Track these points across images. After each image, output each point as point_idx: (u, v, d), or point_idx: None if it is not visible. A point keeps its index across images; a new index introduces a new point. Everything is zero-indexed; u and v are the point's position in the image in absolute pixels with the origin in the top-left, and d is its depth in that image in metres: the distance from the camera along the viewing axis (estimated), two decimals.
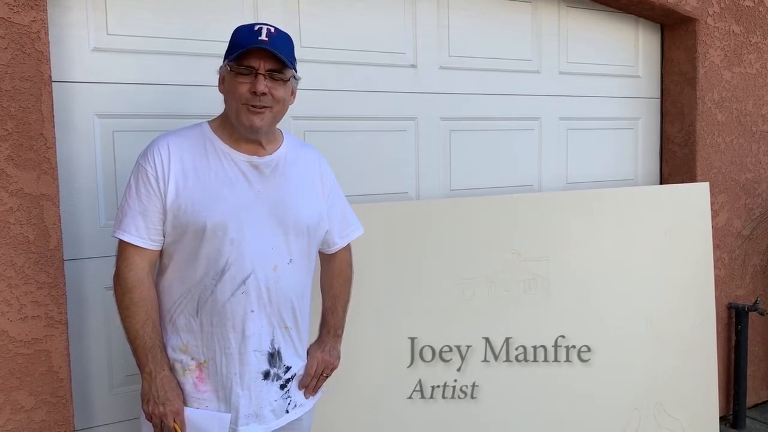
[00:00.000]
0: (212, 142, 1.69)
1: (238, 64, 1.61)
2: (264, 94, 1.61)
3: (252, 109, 1.62)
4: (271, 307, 1.70)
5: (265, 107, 1.63)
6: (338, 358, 1.94)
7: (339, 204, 1.92)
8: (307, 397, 1.84)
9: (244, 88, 1.61)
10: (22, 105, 1.94)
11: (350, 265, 1.99)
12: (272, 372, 1.73)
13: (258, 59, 1.61)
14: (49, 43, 1.99)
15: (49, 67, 1.98)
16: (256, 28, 1.63)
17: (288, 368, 1.77)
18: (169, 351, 1.69)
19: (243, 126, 1.64)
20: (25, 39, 1.93)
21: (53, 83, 2.05)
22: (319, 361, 1.87)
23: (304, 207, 1.75)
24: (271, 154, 1.73)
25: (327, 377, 1.90)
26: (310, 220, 1.76)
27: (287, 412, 1.78)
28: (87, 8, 2.16)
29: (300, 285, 1.77)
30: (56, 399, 2.03)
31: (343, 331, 1.97)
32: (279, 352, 1.74)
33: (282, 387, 1.76)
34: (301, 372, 1.83)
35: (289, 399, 1.78)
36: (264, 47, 1.59)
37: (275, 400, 1.75)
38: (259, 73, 1.61)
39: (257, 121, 1.63)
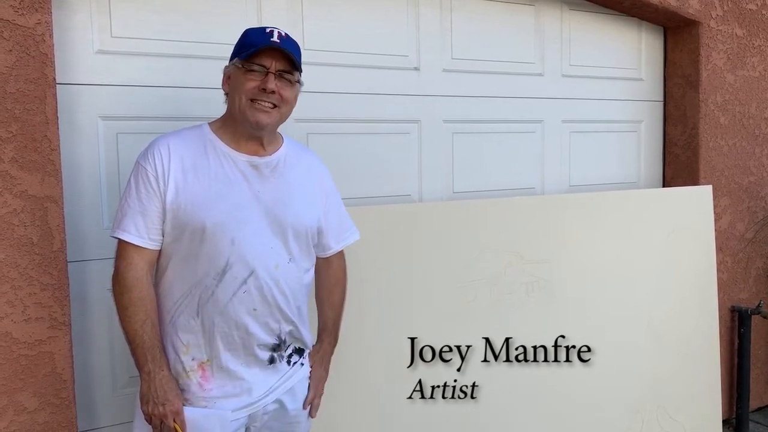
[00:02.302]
0: (212, 143, 1.70)
1: (249, 61, 1.63)
2: (273, 92, 1.63)
3: (259, 106, 1.64)
4: (275, 304, 1.71)
5: (272, 105, 1.65)
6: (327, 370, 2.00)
7: (336, 208, 1.93)
8: (312, 416, 1.90)
9: (252, 84, 1.63)
10: (27, 107, 1.95)
11: (345, 273, 2.01)
12: (276, 356, 1.77)
13: (270, 59, 1.64)
14: (53, 45, 1.99)
15: (54, 70, 1.99)
16: (268, 30, 1.66)
17: (296, 348, 1.82)
18: (171, 352, 1.69)
19: (248, 122, 1.65)
20: (29, 41, 1.94)
21: (57, 85, 2.06)
22: (322, 380, 1.93)
23: (302, 208, 1.77)
24: (270, 155, 1.74)
25: (323, 393, 1.96)
26: (309, 221, 1.78)
27: (291, 365, 1.83)
28: (91, 11, 2.17)
29: (301, 281, 1.79)
30: (59, 400, 2.03)
31: (337, 342, 2.01)
32: (284, 341, 1.78)
33: (288, 362, 1.81)
34: (307, 344, 1.87)
35: (296, 363, 1.84)
36: (277, 47, 1.62)
37: (285, 372, 1.79)
38: (270, 72, 1.63)
39: (264, 118, 1.65)
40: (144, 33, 2.25)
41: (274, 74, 1.64)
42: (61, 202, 2.02)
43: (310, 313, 1.89)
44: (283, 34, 1.67)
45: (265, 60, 1.64)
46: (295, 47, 1.69)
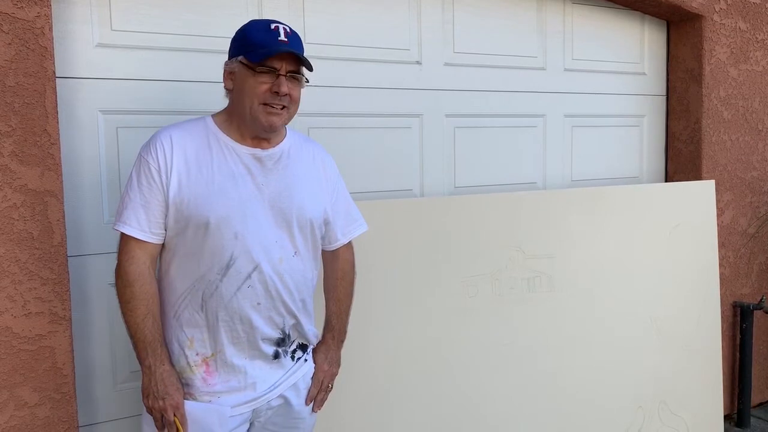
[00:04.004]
0: (216, 136, 1.69)
1: (260, 64, 1.61)
2: (286, 94, 1.62)
3: (271, 109, 1.62)
4: (279, 298, 1.70)
5: (283, 107, 1.64)
6: (339, 365, 1.95)
7: (343, 200, 1.91)
8: (315, 411, 1.88)
9: (264, 88, 1.62)
10: (26, 101, 1.94)
11: (353, 266, 1.98)
12: (281, 351, 1.76)
13: (280, 60, 1.62)
14: (53, 38, 1.98)
15: (53, 63, 1.98)
16: (273, 26, 1.64)
17: (300, 344, 1.81)
18: (176, 347, 1.69)
19: (260, 125, 1.64)
20: (29, 35, 1.93)
21: (57, 79, 2.05)
22: (325, 374, 1.88)
23: (307, 200, 1.75)
24: (274, 147, 1.73)
25: (331, 389, 1.92)
26: (314, 213, 1.76)
27: (295, 360, 1.81)
28: (91, 4, 2.15)
29: (306, 275, 1.78)
30: (60, 395, 2.03)
31: (345, 336, 1.97)
32: (289, 335, 1.77)
33: (292, 358, 1.79)
34: (310, 339, 1.85)
35: (300, 359, 1.83)
36: (288, 49, 1.61)
37: (290, 368, 1.78)
38: (281, 75, 1.62)
39: (276, 120, 1.64)
40: (144, 26, 2.24)
41: (285, 76, 1.63)
42: (61, 197, 2.01)
43: (316, 308, 1.88)
44: (289, 30, 1.65)
45: (275, 62, 1.62)
46: (300, 44, 1.68)
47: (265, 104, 1.62)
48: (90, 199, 2.18)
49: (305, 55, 1.70)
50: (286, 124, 1.71)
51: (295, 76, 1.65)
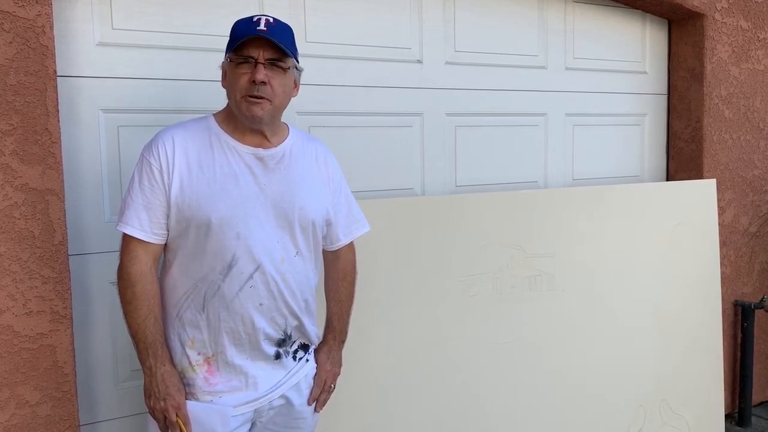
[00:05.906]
0: (217, 136, 1.68)
1: (237, 54, 1.60)
2: (263, 82, 1.60)
3: (251, 99, 1.60)
4: (282, 299, 1.70)
5: (264, 98, 1.61)
6: (341, 365, 1.94)
7: (345, 200, 1.90)
8: (317, 411, 1.88)
9: (244, 79, 1.60)
10: (27, 100, 1.94)
11: (354, 267, 1.97)
12: (282, 351, 1.75)
13: (257, 48, 1.60)
14: (54, 37, 1.98)
15: (54, 62, 1.98)
16: (255, 19, 1.63)
17: (301, 344, 1.81)
18: (178, 346, 1.68)
19: (244, 116, 1.63)
20: (29, 33, 1.93)
21: (58, 78, 2.05)
22: (328, 374, 1.88)
23: (309, 200, 1.74)
24: (276, 146, 1.72)
25: (333, 389, 1.92)
26: (315, 213, 1.75)
27: (297, 360, 1.81)
28: (92, 2, 2.15)
29: (308, 275, 1.78)
30: (61, 394, 2.03)
31: (347, 336, 1.96)
32: (290, 336, 1.76)
33: (294, 358, 1.79)
34: (312, 339, 1.85)
35: (302, 359, 1.82)
36: (262, 35, 1.58)
37: (292, 368, 1.78)
38: (258, 62, 1.60)
39: (257, 110, 1.61)
40: (145, 25, 2.24)
41: (263, 64, 1.60)
42: (62, 196, 2.01)
43: (317, 308, 1.88)
44: (271, 20, 1.63)
45: (252, 50, 1.60)
46: (284, 33, 1.64)
47: (248, 96, 1.60)
48: (91, 197, 2.18)
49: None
50: (273, 116, 1.67)
51: (277, 65, 1.62)
